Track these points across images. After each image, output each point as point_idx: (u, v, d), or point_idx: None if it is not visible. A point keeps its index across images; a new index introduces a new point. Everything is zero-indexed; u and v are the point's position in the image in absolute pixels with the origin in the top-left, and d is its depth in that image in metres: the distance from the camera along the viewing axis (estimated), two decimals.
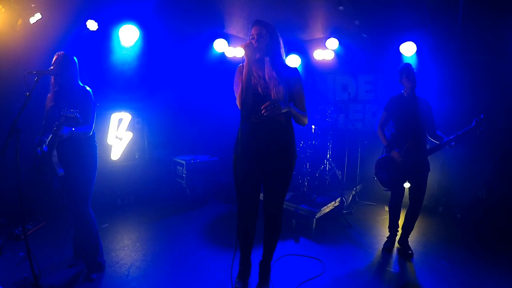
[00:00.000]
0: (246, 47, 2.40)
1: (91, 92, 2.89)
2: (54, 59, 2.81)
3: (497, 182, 4.58)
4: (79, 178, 2.84)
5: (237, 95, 2.52)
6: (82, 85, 2.91)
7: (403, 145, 3.47)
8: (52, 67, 2.77)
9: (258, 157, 2.58)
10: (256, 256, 3.18)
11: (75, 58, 2.91)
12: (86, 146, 2.89)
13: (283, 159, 2.61)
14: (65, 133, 2.54)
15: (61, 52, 2.84)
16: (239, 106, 2.50)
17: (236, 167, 2.68)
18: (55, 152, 2.61)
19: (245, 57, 2.43)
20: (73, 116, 2.52)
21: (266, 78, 2.51)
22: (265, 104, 2.34)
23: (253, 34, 2.51)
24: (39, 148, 2.53)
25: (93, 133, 2.94)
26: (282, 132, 2.57)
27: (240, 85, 2.47)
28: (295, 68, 2.63)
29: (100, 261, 3.07)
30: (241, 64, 2.58)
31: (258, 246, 3.29)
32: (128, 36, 4.80)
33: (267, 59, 2.52)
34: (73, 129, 2.62)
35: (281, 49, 2.60)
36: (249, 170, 2.63)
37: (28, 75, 2.56)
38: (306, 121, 2.65)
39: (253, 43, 2.47)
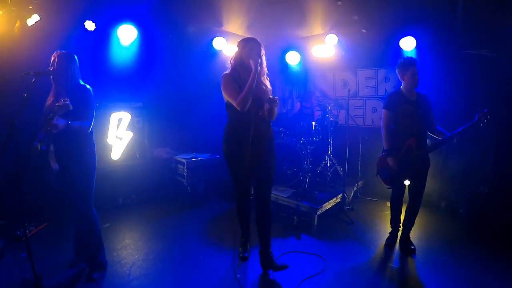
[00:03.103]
0: (256, 63, 2.83)
1: (91, 90, 2.88)
2: (52, 58, 2.80)
3: (500, 177, 4.55)
4: (78, 177, 2.83)
5: (238, 98, 2.83)
6: (82, 83, 2.90)
7: (403, 142, 3.45)
8: (51, 68, 2.76)
9: (252, 147, 2.95)
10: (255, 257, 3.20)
11: (75, 56, 2.90)
12: (84, 144, 2.87)
13: (268, 149, 3.09)
14: (60, 123, 2.50)
15: (60, 51, 2.83)
16: (239, 107, 2.83)
17: (232, 157, 3.13)
18: (52, 148, 2.61)
19: (254, 67, 2.82)
20: (63, 104, 2.49)
21: (261, 85, 3.03)
22: (273, 99, 2.87)
23: (262, 54, 3.02)
24: (39, 144, 2.52)
25: (92, 131, 2.92)
26: (267, 127, 3.09)
27: (242, 89, 2.86)
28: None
29: (102, 261, 3.08)
30: (226, 72, 3.08)
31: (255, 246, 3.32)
32: (126, 35, 4.79)
33: (263, 71, 3.06)
34: (69, 122, 2.58)
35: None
36: (243, 159, 2.98)
37: (26, 77, 2.56)
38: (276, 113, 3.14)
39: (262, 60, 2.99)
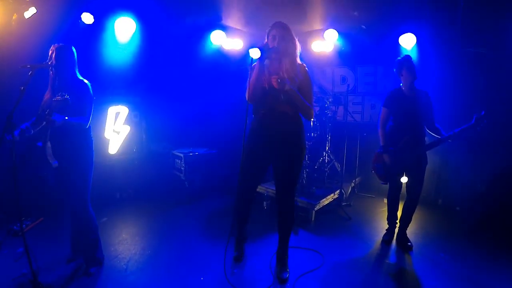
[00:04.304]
0: (262, 49, 2.57)
1: (89, 85, 2.85)
2: (50, 52, 2.76)
3: (496, 176, 4.56)
4: (75, 173, 2.81)
5: (247, 90, 2.73)
6: (81, 78, 2.87)
7: (401, 139, 3.45)
8: (49, 61, 2.73)
9: (269, 146, 2.80)
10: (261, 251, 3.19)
11: (73, 48, 2.86)
12: (82, 140, 2.84)
13: (292, 147, 2.82)
14: (57, 119, 2.47)
15: (58, 44, 2.79)
16: (247, 100, 2.75)
17: (245, 155, 2.91)
18: (49, 144, 2.59)
19: (258, 58, 2.60)
20: (62, 98, 2.50)
21: (283, 75, 2.65)
22: (276, 77, 2.58)
23: (274, 35, 2.71)
24: (18, 132, 2.49)
25: (89, 126, 2.89)
26: (289, 122, 2.78)
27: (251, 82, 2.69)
28: (304, 66, 2.81)
29: (99, 256, 3.07)
30: (254, 64, 2.74)
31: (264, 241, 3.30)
32: (124, 29, 4.74)
33: (285, 60, 2.69)
34: (66, 117, 2.55)
35: (297, 50, 2.78)
36: (257, 159, 2.89)
37: (23, 69, 2.53)
38: (310, 113, 2.78)
39: (274, 43, 2.67)
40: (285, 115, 2.74)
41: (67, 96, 2.51)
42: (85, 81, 2.86)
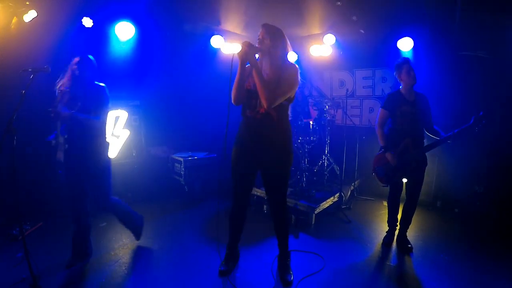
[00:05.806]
0: (243, 46, 2.58)
1: (105, 88, 3.10)
2: (72, 66, 2.99)
3: (495, 177, 4.59)
4: (91, 171, 3.06)
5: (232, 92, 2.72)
6: (97, 83, 3.10)
7: (401, 142, 3.47)
8: (72, 69, 2.99)
9: (254, 150, 2.77)
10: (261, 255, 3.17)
11: (91, 57, 3.10)
12: (96, 138, 3.06)
13: (277, 152, 2.76)
14: (62, 111, 2.72)
15: (77, 57, 3.02)
16: (232, 102, 2.73)
17: (233, 159, 2.90)
18: (61, 139, 2.84)
19: (238, 56, 2.61)
20: (62, 90, 2.88)
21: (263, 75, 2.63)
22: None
23: (261, 36, 2.73)
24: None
25: (104, 128, 3.15)
26: (274, 126, 2.71)
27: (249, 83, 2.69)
28: (293, 65, 2.74)
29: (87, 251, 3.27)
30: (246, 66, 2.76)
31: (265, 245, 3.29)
32: (123, 33, 4.74)
33: (266, 58, 2.69)
34: (73, 112, 2.77)
35: (286, 50, 2.75)
36: (244, 162, 2.85)
37: (24, 73, 2.54)
38: (264, 93, 2.53)
39: (257, 44, 2.71)
40: (269, 118, 2.66)
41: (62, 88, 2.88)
42: (102, 84, 3.10)
